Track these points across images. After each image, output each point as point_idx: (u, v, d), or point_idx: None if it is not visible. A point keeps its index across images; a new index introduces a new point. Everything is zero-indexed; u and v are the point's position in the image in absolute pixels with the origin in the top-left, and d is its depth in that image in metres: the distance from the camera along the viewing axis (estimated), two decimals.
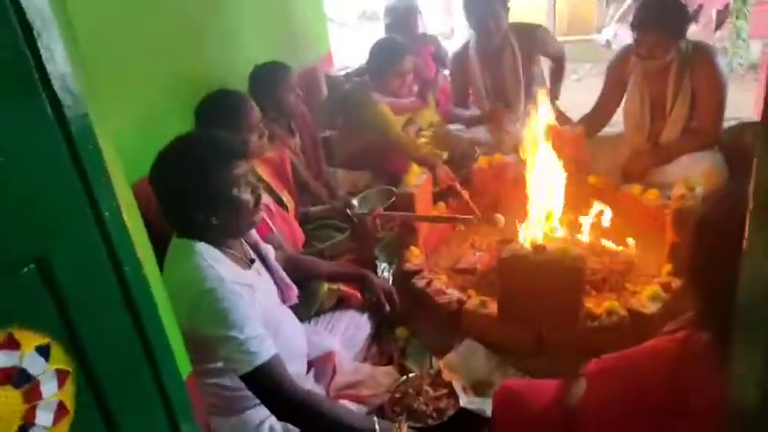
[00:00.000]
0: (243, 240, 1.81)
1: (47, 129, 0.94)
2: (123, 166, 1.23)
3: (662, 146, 2.90)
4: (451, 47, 6.28)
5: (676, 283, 2.11)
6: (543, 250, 1.97)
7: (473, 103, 3.70)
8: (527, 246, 2.11)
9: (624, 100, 3.07)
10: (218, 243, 1.65)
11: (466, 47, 3.56)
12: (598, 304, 2.11)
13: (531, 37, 3.44)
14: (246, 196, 1.65)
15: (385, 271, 2.71)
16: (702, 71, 2.72)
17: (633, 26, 2.75)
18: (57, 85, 0.95)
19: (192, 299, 1.52)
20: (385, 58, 3.27)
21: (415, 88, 3.57)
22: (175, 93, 2.49)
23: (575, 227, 2.53)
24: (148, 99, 2.35)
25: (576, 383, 1.38)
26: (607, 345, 1.95)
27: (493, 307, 2.13)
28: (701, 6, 6.62)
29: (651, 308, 2.03)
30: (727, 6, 6.38)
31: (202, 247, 1.60)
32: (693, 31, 6.57)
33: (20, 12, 0.88)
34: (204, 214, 1.60)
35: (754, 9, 6.13)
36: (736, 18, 6.08)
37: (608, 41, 7.11)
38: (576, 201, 2.63)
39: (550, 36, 3.63)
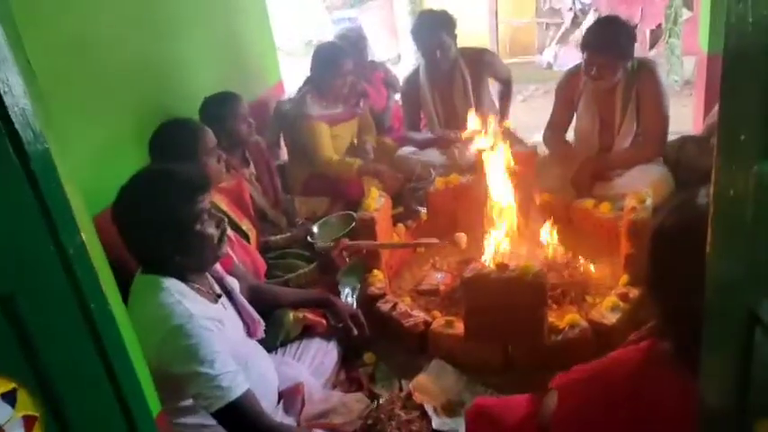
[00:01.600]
0: (208, 275, 1.78)
1: (7, 165, 0.92)
2: (88, 197, 1.21)
3: (607, 155, 3.00)
4: (399, 72, 6.40)
5: (633, 292, 2.18)
6: (505, 268, 2.01)
7: (425, 127, 3.76)
8: (489, 264, 2.15)
9: (575, 118, 3.17)
10: (184, 278, 1.63)
11: (417, 72, 3.62)
12: (560, 318, 2.16)
13: (480, 61, 3.53)
14: (211, 230, 1.64)
15: (348, 296, 2.70)
16: (647, 86, 2.85)
17: (583, 47, 2.84)
18: (16, 121, 0.93)
19: (161, 336, 1.49)
20: (325, 60, 3.36)
21: (352, 99, 3.61)
22: (130, 124, 2.46)
23: (532, 243, 2.59)
24: (103, 131, 2.31)
25: (547, 397, 1.40)
26: (572, 357, 2.01)
27: (459, 327, 2.14)
28: (635, 26, 6.93)
29: (611, 318, 2.08)
30: (659, 26, 6.71)
31: (169, 283, 1.57)
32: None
33: None
34: (168, 250, 1.58)
35: (684, 27, 6.46)
36: (669, 36, 6.38)
37: (549, 63, 7.36)
38: (532, 218, 2.71)
39: (497, 59, 3.73)
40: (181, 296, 1.56)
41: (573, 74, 3.09)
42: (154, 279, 1.58)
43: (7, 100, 0.91)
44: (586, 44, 2.83)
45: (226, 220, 1.73)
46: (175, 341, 1.48)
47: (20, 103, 0.93)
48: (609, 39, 2.78)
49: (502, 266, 2.03)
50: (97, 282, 1.08)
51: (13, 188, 0.92)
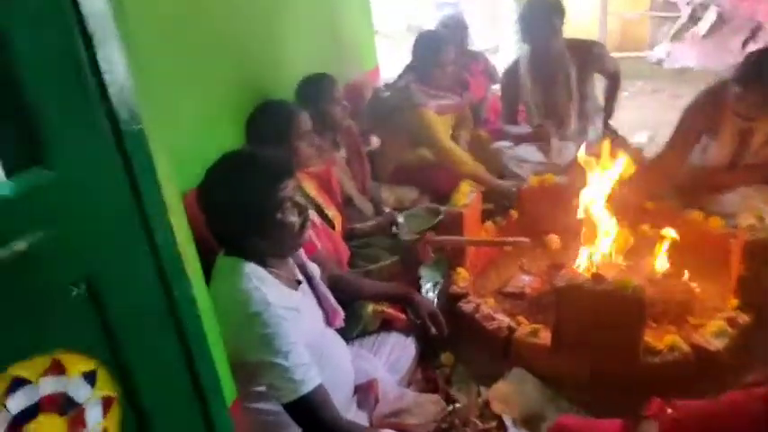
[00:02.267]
0: (290, 260, 1.76)
1: (102, 143, 0.90)
2: (175, 176, 1.20)
3: (741, 169, 2.70)
4: (497, 62, 6.22)
5: (744, 318, 1.99)
6: (602, 280, 1.87)
7: (523, 121, 3.61)
8: (583, 273, 2.01)
9: (706, 146, 2.77)
10: (264, 263, 1.61)
11: (517, 63, 3.47)
12: (658, 338, 2.00)
13: (587, 53, 3.34)
14: (292, 218, 1.61)
15: (429, 291, 2.63)
16: None
17: (739, 81, 2.42)
18: (114, 99, 0.91)
19: (237, 322, 1.47)
20: (428, 49, 3.26)
21: (456, 90, 3.51)
22: (228, 100, 2.48)
23: (631, 254, 2.42)
24: (201, 106, 2.33)
25: (642, 425, 1.28)
26: (669, 382, 1.88)
27: (545, 336, 2.03)
28: (759, 25, 6.40)
29: (717, 344, 1.91)
30: None
31: (249, 268, 1.56)
32: (751, 51, 6.38)
33: (81, 20, 0.84)
34: (249, 235, 1.57)
35: None
36: None
37: (660, 59, 6.93)
38: (633, 226, 2.53)
39: (606, 53, 3.51)
40: (260, 282, 1.54)
41: (712, 99, 2.64)
42: (235, 262, 1.57)
43: (108, 78, 0.89)
44: (745, 78, 2.39)
45: (309, 207, 1.70)
46: (251, 329, 1.46)
47: (120, 81, 0.91)
48: None
49: (598, 278, 1.89)
50: (182, 267, 1.06)
51: (106, 167, 0.91)
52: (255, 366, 1.48)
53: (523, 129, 3.49)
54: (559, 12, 3.22)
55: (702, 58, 6.73)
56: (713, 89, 2.69)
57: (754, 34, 6.49)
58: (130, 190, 0.94)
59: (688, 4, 6.74)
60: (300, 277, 1.78)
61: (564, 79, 3.31)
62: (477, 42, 8.21)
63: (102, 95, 0.88)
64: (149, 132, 0.99)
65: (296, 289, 1.70)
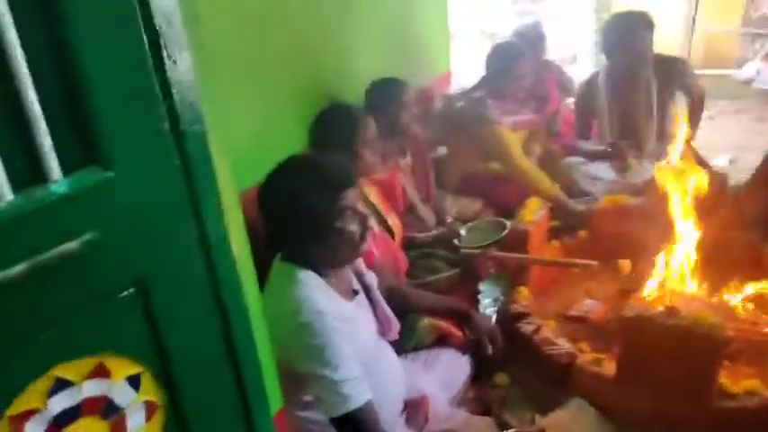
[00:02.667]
0: (348, 269, 1.72)
1: (161, 143, 0.88)
2: (237, 173, 1.17)
3: None
4: (574, 73, 6.03)
5: None
6: (675, 313, 1.74)
7: (596, 137, 3.45)
8: (655, 304, 1.89)
9: None
10: (321, 271, 1.58)
11: (595, 77, 3.33)
12: (733, 379, 1.85)
13: (671, 71, 3.16)
14: (352, 227, 1.57)
15: (488, 308, 2.55)
16: None
17: None
18: (177, 97, 0.89)
19: (289, 331, 1.45)
20: (503, 61, 3.19)
21: (532, 104, 3.41)
22: (294, 101, 2.48)
23: (709, 285, 2.26)
24: (266, 108, 2.34)
25: None
26: (742, 429, 1.74)
27: (609, 366, 1.91)
28: None
29: None
30: None
31: (304, 276, 1.53)
32: None
33: (147, 17, 0.82)
34: (307, 243, 1.54)
35: None
36: None
37: (749, 78, 6.55)
38: (713, 255, 2.36)
39: (691, 71, 3.31)
40: (314, 290, 1.50)
41: None
42: (290, 268, 1.55)
43: (170, 74, 0.87)
44: None
45: (370, 218, 1.65)
46: (302, 338, 1.43)
47: (183, 80, 0.89)
48: None
49: (671, 310, 1.76)
50: (236, 276, 1.04)
51: (164, 167, 0.88)
52: (304, 377, 1.45)
53: (597, 145, 3.33)
54: (650, 27, 3.06)
55: None
56: None
57: None
58: (188, 193, 0.92)
59: None
60: (357, 287, 1.74)
61: (645, 97, 3.15)
62: (553, 51, 8.04)
63: (165, 94, 0.86)
64: (212, 132, 0.97)
65: (352, 299, 1.67)
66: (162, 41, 0.84)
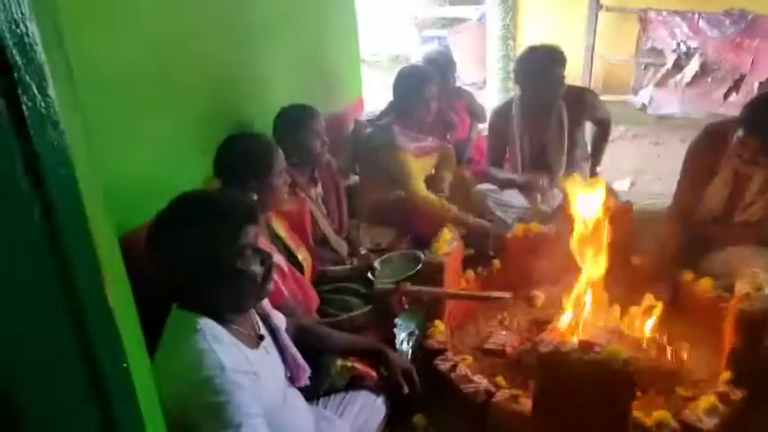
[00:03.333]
0: (253, 311, 1.59)
1: (17, 193, 0.74)
2: (135, 209, 1.03)
3: (735, 226, 2.60)
4: (483, 98, 6.14)
5: (737, 394, 1.86)
6: (590, 348, 1.73)
7: (508, 163, 3.49)
8: (568, 338, 1.87)
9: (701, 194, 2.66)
10: (222, 318, 1.44)
11: (509, 104, 3.37)
12: (646, 410, 1.86)
13: (580, 101, 3.25)
14: (254, 268, 1.45)
15: (404, 343, 2.48)
16: None
17: (743, 125, 2.35)
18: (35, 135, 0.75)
19: (187, 388, 1.30)
20: (408, 85, 3.16)
21: (439, 130, 3.40)
22: (200, 132, 2.33)
23: (617, 315, 2.28)
24: (169, 133, 2.19)
25: None
26: None
27: (526, 403, 1.88)
28: (742, 76, 6.46)
29: (708, 423, 1.77)
30: None
31: (204, 324, 1.39)
32: (733, 101, 6.42)
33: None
34: (205, 287, 1.41)
35: None
36: None
37: (643, 105, 6.95)
38: (619, 284, 2.40)
39: (599, 100, 3.42)
40: (215, 341, 1.37)
41: (713, 140, 2.55)
42: (189, 317, 1.40)
43: (28, 106, 0.73)
44: (749, 124, 2.33)
45: (274, 255, 1.54)
46: (202, 396, 1.29)
47: (47, 114, 0.75)
48: None
49: (585, 345, 1.75)
50: (114, 332, 0.90)
51: (21, 219, 0.74)
52: None
53: (511, 174, 3.36)
54: (562, 62, 3.13)
55: (685, 105, 6.76)
56: (714, 129, 2.61)
57: (736, 86, 6.54)
58: (51, 253, 0.78)
59: (673, 51, 6.77)
60: (263, 331, 1.62)
61: (557, 126, 3.22)
62: (463, 77, 8.22)
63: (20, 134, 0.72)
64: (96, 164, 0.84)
65: (257, 346, 1.54)
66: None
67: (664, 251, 2.59)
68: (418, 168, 3.13)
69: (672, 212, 2.74)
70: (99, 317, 0.85)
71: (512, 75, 7.15)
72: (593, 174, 3.39)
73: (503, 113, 3.38)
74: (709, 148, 2.58)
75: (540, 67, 3.09)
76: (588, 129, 3.55)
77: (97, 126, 1.82)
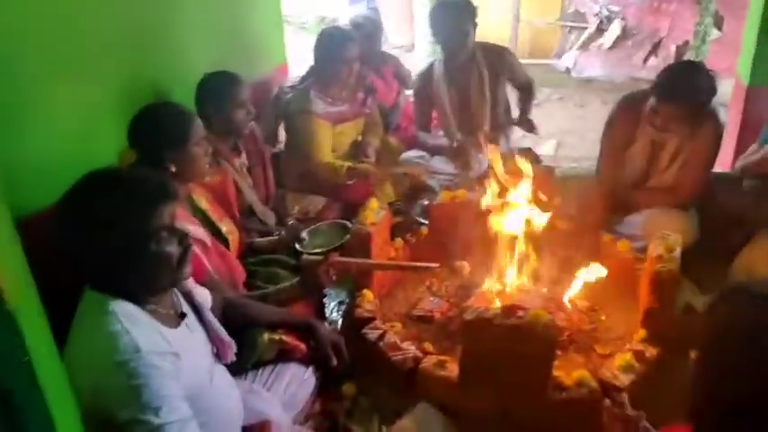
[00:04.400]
0: (174, 291, 1.54)
1: None
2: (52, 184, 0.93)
3: (633, 192, 2.73)
4: (412, 61, 6.09)
5: (651, 352, 1.96)
6: (513, 312, 1.77)
7: (437, 127, 3.50)
8: (493, 303, 1.92)
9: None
10: (138, 298, 1.38)
11: (431, 67, 3.36)
12: (565, 369, 1.94)
13: (499, 58, 3.29)
14: (170, 249, 1.39)
15: (334, 312, 2.48)
16: (705, 138, 2.52)
17: (656, 92, 2.44)
18: None
19: (101, 373, 1.25)
20: (328, 47, 3.08)
21: (360, 95, 3.36)
22: (114, 101, 2.21)
23: (538, 276, 2.35)
24: (82, 107, 2.06)
25: None
26: (576, 418, 1.82)
27: (453, 368, 1.92)
28: (661, 40, 6.68)
29: (624, 380, 1.86)
30: (686, 42, 6.45)
31: (117, 306, 1.33)
32: (652, 65, 6.64)
33: None
34: (118, 269, 1.34)
35: (710, 47, 6.21)
36: (696, 56, 6.13)
37: (567, 68, 7.10)
38: (541, 246, 2.46)
39: (517, 61, 3.45)
40: (129, 323, 1.31)
41: (631, 108, 2.64)
42: (101, 299, 1.34)
43: None
44: (661, 91, 2.42)
45: (189, 236, 1.48)
46: (116, 380, 1.24)
47: None
48: (689, 91, 2.39)
49: (509, 310, 1.79)
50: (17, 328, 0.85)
51: None
52: (122, 426, 1.25)
53: (440, 140, 3.37)
54: (470, 11, 3.14)
55: (607, 68, 6.96)
56: (628, 102, 2.70)
57: (655, 49, 6.77)
58: None
59: (596, 15, 6.93)
60: (186, 308, 1.57)
61: (477, 83, 3.24)
62: (391, 39, 8.13)
63: None
64: None
65: (178, 325, 1.49)
66: None
67: (586, 217, 2.68)
68: (340, 132, 3.11)
69: (596, 184, 2.85)
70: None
71: None
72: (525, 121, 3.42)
73: (426, 76, 3.38)
74: (624, 120, 2.69)
75: (445, 15, 3.11)
76: (512, 96, 3.59)
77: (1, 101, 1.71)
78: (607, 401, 1.58)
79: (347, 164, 3.03)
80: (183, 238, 1.43)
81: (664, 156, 2.60)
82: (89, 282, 1.39)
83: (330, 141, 3.09)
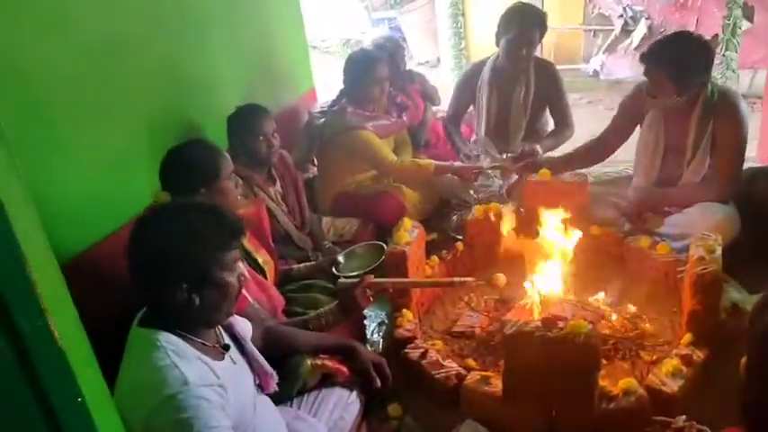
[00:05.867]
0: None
1: None
2: (87, 226, 0.98)
3: (668, 190, 2.68)
4: (437, 76, 6.11)
5: (698, 355, 1.92)
6: (553, 324, 1.76)
7: (468, 123, 3.54)
8: (532, 316, 1.90)
9: (637, 140, 2.82)
10: (187, 331, 1.43)
11: (483, 63, 3.41)
12: (612, 377, 1.92)
13: (553, 81, 3.33)
14: (234, 281, 1.46)
15: (375, 333, 2.49)
16: (726, 120, 2.48)
17: (640, 59, 2.54)
18: None
19: (151, 406, 1.29)
20: (359, 69, 3.13)
21: (394, 113, 3.41)
22: (149, 140, 2.28)
23: (581, 287, 2.33)
24: (117, 143, 2.15)
25: None
26: (625, 427, 1.79)
27: (497, 384, 1.91)
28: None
29: (673, 386, 1.83)
30: (716, 36, 6.32)
31: (165, 340, 1.37)
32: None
33: None
34: (184, 294, 1.39)
35: (743, 39, 6.08)
36: (726, 49, 6.00)
37: (595, 71, 7.03)
38: (579, 254, 2.43)
39: (566, 96, 3.45)
40: (177, 357, 1.35)
41: (639, 88, 2.73)
42: (149, 335, 1.38)
43: None
44: (642, 56, 2.53)
45: (245, 273, 1.54)
46: (167, 414, 1.28)
47: None
48: (665, 54, 2.45)
49: (548, 322, 1.78)
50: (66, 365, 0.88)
51: None
52: None
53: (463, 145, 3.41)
54: (542, 23, 3.19)
55: (636, 69, 6.80)
56: (641, 84, 2.73)
57: None
58: None
59: (620, 16, 6.85)
60: (228, 341, 1.61)
61: (523, 94, 3.26)
62: (416, 56, 8.19)
63: None
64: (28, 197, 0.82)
65: (222, 357, 1.53)
66: None
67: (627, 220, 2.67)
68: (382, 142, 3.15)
69: (582, 149, 3.03)
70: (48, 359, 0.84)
71: (464, 52, 7.24)
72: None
73: (476, 70, 3.42)
74: (633, 97, 2.79)
75: (522, 22, 3.12)
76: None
77: (34, 146, 1.79)
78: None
79: (433, 162, 3.08)
80: (241, 275, 1.48)
81: (687, 144, 2.57)
82: (140, 318, 1.44)
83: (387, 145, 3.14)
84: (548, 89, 3.30)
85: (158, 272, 1.40)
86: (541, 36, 3.19)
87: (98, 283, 1.77)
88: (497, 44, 3.26)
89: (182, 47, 2.59)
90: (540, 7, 6.58)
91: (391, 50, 3.65)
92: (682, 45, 2.47)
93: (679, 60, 2.43)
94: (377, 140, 3.06)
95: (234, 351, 1.60)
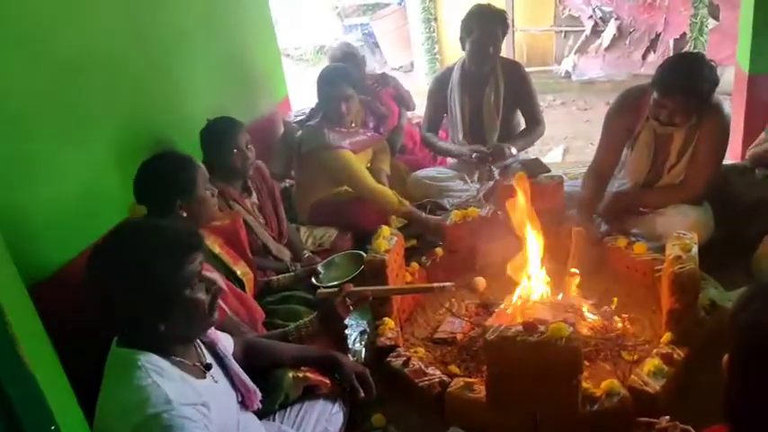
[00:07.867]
0: (198, 341, 1.55)
1: None
2: (59, 245, 0.95)
3: (644, 191, 2.70)
4: (412, 82, 6.12)
5: (679, 354, 1.93)
6: (534, 329, 1.76)
7: (444, 129, 3.56)
8: (513, 320, 1.90)
9: (627, 153, 2.74)
10: (166, 351, 1.40)
11: (450, 70, 3.42)
12: (594, 378, 1.93)
13: (522, 81, 3.33)
14: (201, 295, 1.41)
15: (356, 342, 2.47)
16: (711, 129, 2.47)
17: (657, 87, 2.40)
18: None
19: (134, 424, 1.26)
20: (322, 89, 3.15)
21: (371, 123, 3.40)
22: (118, 152, 2.26)
23: (560, 288, 2.33)
24: (90, 160, 2.13)
25: None
26: (608, 429, 1.80)
27: (480, 390, 1.90)
28: (658, 35, 6.67)
29: (655, 385, 1.83)
30: (683, 35, 6.43)
31: (146, 360, 1.34)
32: (652, 61, 6.62)
33: None
34: (151, 320, 1.36)
35: (710, 37, 6.19)
36: (694, 47, 6.12)
37: (567, 72, 7.11)
38: (556, 256, 2.45)
39: (536, 95, 3.46)
40: (159, 376, 1.32)
41: (629, 102, 2.63)
42: (129, 355, 1.35)
43: None
44: (662, 85, 2.37)
45: (217, 280, 1.50)
46: None
47: None
48: (690, 82, 2.33)
49: (529, 327, 1.77)
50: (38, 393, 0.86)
51: None
52: None
53: (450, 145, 3.42)
54: (504, 23, 3.20)
55: (607, 69, 6.97)
56: (631, 94, 2.65)
57: (653, 45, 6.76)
58: None
59: (590, 17, 6.94)
60: (210, 359, 1.58)
61: (493, 94, 3.28)
62: (390, 61, 8.20)
63: None
64: None
65: (204, 376, 1.50)
66: None
67: (582, 211, 2.68)
68: (360, 163, 3.13)
69: (588, 172, 2.81)
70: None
71: (438, 56, 7.27)
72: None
73: (443, 79, 3.42)
74: (625, 110, 2.64)
75: (481, 21, 3.13)
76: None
77: (4, 161, 1.75)
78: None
79: (406, 203, 3.04)
80: (211, 285, 1.45)
81: (672, 150, 2.57)
82: (118, 337, 1.41)
83: (365, 167, 3.14)
84: (517, 88, 3.32)
85: (116, 302, 1.36)
86: (504, 34, 3.20)
87: (77, 298, 1.74)
88: (463, 48, 3.28)
89: (154, 60, 2.57)
90: (511, 9, 6.67)
91: (343, 59, 3.62)
92: (702, 73, 2.37)
93: (703, 90, 2.38)
94: (354, 161, 3.06)
95: (216, 370, 1.58)
